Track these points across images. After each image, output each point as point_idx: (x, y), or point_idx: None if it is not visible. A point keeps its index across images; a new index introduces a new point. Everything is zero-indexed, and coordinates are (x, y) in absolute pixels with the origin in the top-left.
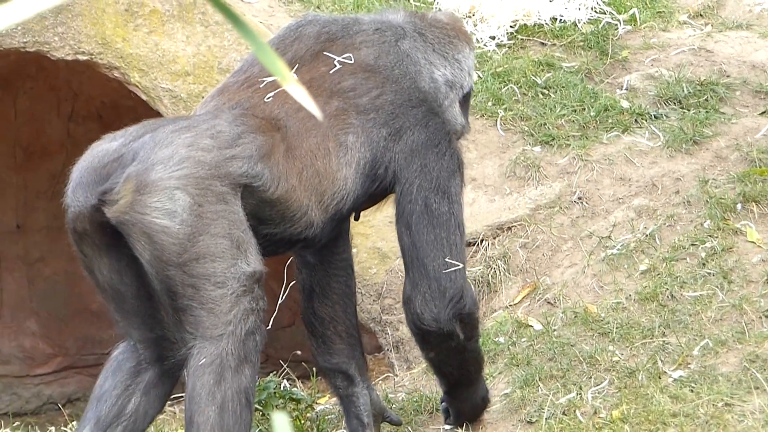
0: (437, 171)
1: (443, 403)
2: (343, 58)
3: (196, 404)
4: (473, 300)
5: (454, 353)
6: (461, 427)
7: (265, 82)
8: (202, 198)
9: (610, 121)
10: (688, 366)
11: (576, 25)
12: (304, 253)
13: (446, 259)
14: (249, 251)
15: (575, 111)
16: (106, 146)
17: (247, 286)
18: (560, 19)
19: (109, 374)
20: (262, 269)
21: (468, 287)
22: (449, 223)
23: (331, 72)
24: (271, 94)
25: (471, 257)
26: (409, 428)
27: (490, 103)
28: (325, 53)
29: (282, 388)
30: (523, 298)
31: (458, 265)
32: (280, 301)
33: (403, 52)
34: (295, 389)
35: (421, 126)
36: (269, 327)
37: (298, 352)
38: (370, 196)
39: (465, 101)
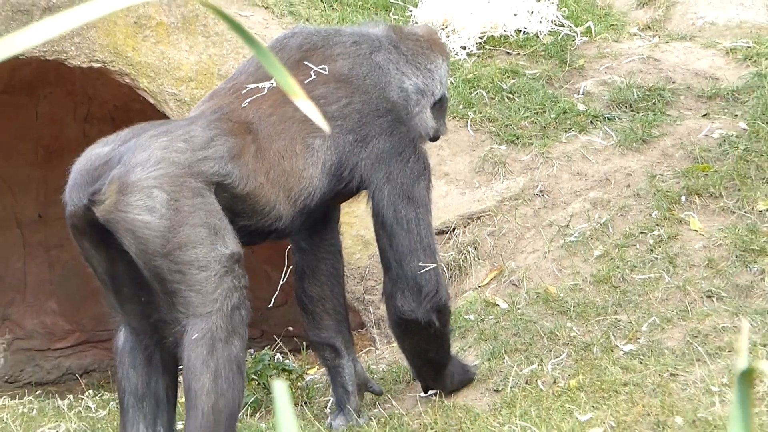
0: (402, 177)
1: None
2: (319, 68)
3: (193, 373)
4: (447, 292)
5: (434, 338)
6: (435, 394)
7: (247, 89)
8: (178, 194)
9: (568, 122)
10: (638, 340)
11: (538, 36)
12: (297, 239)
13: (419, 263)
14: (226, 236)
15: (537, 113)
16: (98, 150)
17: (228, 266)
18: (524, 31)
19: (129, 369)
20: (240, 250)
21: (442, 282)
22: (419, 227)
23: (306, 81)
24: (248, 100)
25: (444, 244)
26: (389, 396)
27: (461, 107)
28: (304, 62)
29: (276, 360)
30: (490, 280)
31: (432, 265)
32: (281, 282)
33: (376, 63)
34: (288, 361)
35: (386, 134)
36: (270, 306)
37: (290, 328)
38: (338, 194)
39: (440, 106)
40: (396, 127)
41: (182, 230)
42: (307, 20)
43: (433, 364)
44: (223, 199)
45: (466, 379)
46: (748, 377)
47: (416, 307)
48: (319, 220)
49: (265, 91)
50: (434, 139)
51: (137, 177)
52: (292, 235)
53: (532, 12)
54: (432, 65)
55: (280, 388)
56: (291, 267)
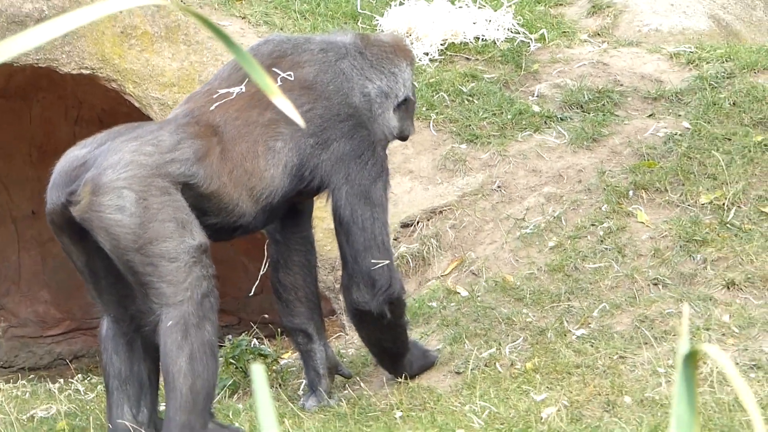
0: (360, 178)
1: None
2: (285, 75)
3: (169, 358)
4: (401, 286)
5: (387, 329)
6: (400, 376)
7: (218, 94)
8: (146, 193)
9: (523, 122)
10: (589, 325)
11: (495, 43)
12: (272, 232)
13: (373, 260)
14: (193, 229)
15: (495, 114)
16: (76, 152)
17: (196, 257)
18: (482, 38)
19: (112, 354)
20: (206, 241)
21: (395, 277)
22: (373, 226)
23: None
24: (216, 104)
25: (408, 236)
26: (358, 378)
27: (424, 108)
28: (273, 69)
29: (252, 346)
30: (452, 269)
31: (385, 262)
32: (262, 273)
33: (340, 70)
34: (263, 346)
35: (347, 138)
36: (249, 294)
37: (266, 316)
38: (300, 193)
39: (405, 108)
40: (357, 131)
41: (152, 226)
42: (281, 29)
43: (390, 353)
44: (190, 198)
45: (426, 364)
46: (692, 359)
47: (370, 299)
48: (293, 215)
49: (234, 95)
50: (402, 138)
51: (108, 179)
52: (257, 231)
53: (490, 20)
54: (396, 69)
55: (258, 371)
56: (268, 260)
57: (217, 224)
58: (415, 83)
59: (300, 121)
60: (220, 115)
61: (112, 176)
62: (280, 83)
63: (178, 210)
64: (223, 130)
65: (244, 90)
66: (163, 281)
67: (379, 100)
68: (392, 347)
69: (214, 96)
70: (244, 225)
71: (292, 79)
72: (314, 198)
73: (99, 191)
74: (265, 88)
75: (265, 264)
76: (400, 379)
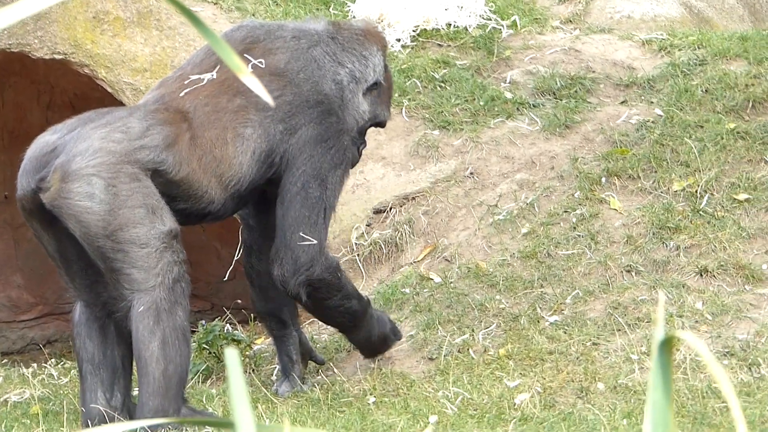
0: (320, 162)
1: None
2: (257, 62)
3: (142, 342)
4: (326, 268)
5: (317, 308)
6: (372, 361)
7: (189, 80)
8: (115, 180)
9: (496, 109)
10: (562, 312)
11: (467, 29)
12: (246, 218)
13: (301, 234)
14: (163, 215)
15: (467, 101)
16: (46, 138)
17: (167, 242)
18: (454, 25)
19: (85, 339)
20: (177, 227)
21: (320, 259)
22: (317, 205)
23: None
24: (186, 90)
25: (381, 222)
26: (331, 364)
27: (396, 95)
28: (245, 55)
29: (225, 331)
30: (425, 256)
31: (312, 241)
32: (236, 258)
33: (312, 58)
34: (236, 332)
35: (315, 123)
36: (225, 279)
37: (239, 301)
38: (269, 181)
39: (377, 92)
40: (325, 117)
41: (121, 212)
42: (254, 15)
43: (339, 326)
44: (160, 185)
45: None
46: (667, 346)
47: (289, 277)
48: (266, 200)
49: (204, 81)
50: (378, 124)
51: (77, 166)
52: (227, 217)
53: (462, 7)
54: (366, 52)
55: (231, 355)
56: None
57: (187, 210)
58: (390, 70)
59: (269, 99)
60: (189, 101)
61: (81, 163)
62: (251, 70)
63: (147, 196)
64: (192, 116)
65: (215, 76)
66: (134, 267)
67: (351, 86)
68: (335, 324)
69: (186, 82)
70: (213, 212)
71: (263, 66)
72: None
73: (68, 178)
74: (235, 69)
75: (239, 249)
76: (372, 365)
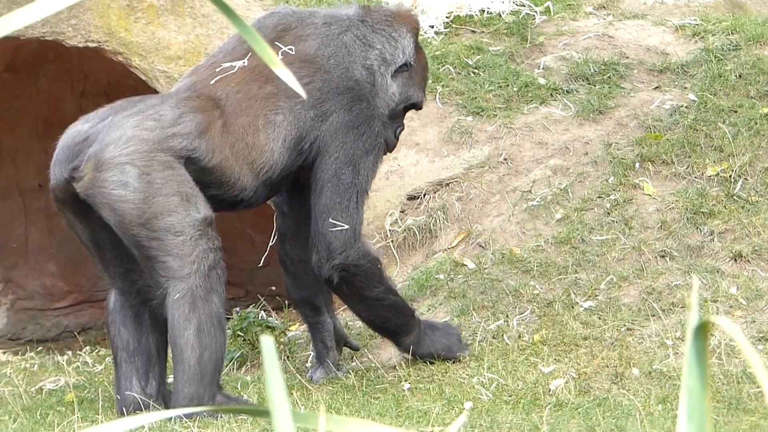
0: (353, 148)
1: None
2: (287, 49)
3: (177, 329)
4: (362, 254)
5: (356, 299)
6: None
7: (221, 68)
8: (149, 168)
9: (529, 95)
10: (596, 297)
11: (500, 15)
12: (280, 204)
13: (331, 220)
14: (198, 202)
15: (501, 87)
16: (79, 127)
17: (201, 230)
18: (487, 11)
19: (120, 327)
20: (212, 214)
21: (355, 244)
22: (348, 191)
23: None
24: (217, 78)
25: (415, 209)
26: (366, 350)
27: (430, 81)
28: (276, 43)
29: (260, 318)
30: (459, 242)
31: (344, 226)
32: (270, 244)
33: (342, 44)
34: (271, 318)
35: (345, 109)
36: (259, 265)
37: (273, 288)
38: (301, 168)
39: (409, 75)
40: (356, 104)
41: (156, 200)
42: (286, 2)
43: (378, 327)
44: (192, 172)
45: (448, 349)
46: (702, 331)
47: (324, 263)
48: (300, 187)
49: (236, 69)
50: (413, 107)
51: (111, 155)
52: (259, 205)
53: None
54: (395, 33)
55: (267, 343)
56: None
57: (219, 197)
58: (423, 52)
59: (301, 91)
60: (221, 88)
61: (114, 152)
62: (281, 57)
63: (182, 184)
64: (224, 103)
65: (246, 64)
66: (170, 255)
67: (381, 70)
68: (378, 322)
69: (217, 69)
70: (245, 199)
71: (294, 53)
72: None
73: (102, 167)
74: (266, 59)
75: (274, 236)
76: (407, 354)
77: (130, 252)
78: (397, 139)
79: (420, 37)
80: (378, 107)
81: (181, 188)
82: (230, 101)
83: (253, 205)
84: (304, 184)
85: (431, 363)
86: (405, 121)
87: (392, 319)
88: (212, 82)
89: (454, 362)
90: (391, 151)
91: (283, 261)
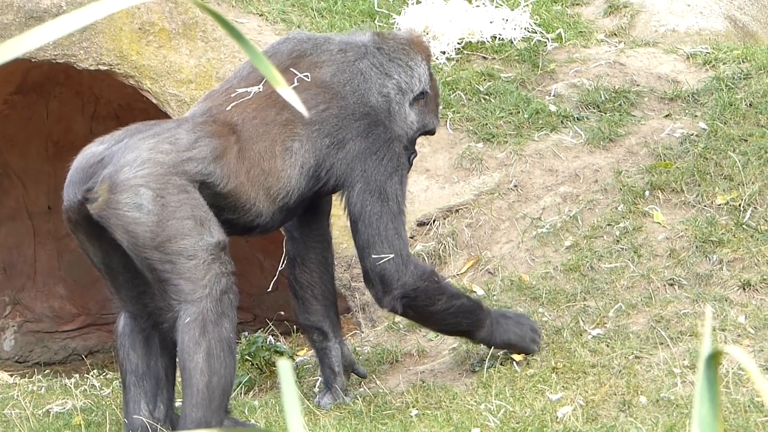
0: (375, 174)
1: None
2: (303, 75)
3: (187, 353)
4: (418, 276)
5: (424, 318)
6: (414, 374)
7: (236, 93)
8: (163, 191)
9: (540, 122)
10: (605, 325)
11: (512, 42)
12: (290, 229)
13: (373, 256)
14: (211, 226)
15: (511, 113)
16: (93, 149)
17: (214, 254)
18: (499, 37)
19: (129, 351)
20: (225, 239)
21: (406, 269)
22: (382, 220)
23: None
24: (233, 103)
25: (425, 234)
26: (373, 376)
27: (441, 107)
28: (291, 69)
29: (267, 342)
30: (468, 268)
31: (388, 256)
32: (280, 268)
33: (358, 70)
34: (279, 343)
35: (362, 137)
36: (268, 290)
37: (281, 313)
38: (317, 193)
39: (424, 102)
40: (372, 129)
41: (170, 224)
42: (299, 27)
43: (454, 333)
44: (207, 197)
45: (522, 337)
46: (714, 360)
47: (383, 296)
48: (311, 212)
49: (251, 95)
50: (428, 132)
51: (125, 176)
52: (274, 230)
53: (507, 20)
54: (411, 62)
55: (284, 367)
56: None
57: (233, 221)
58: (435, 78)
59: (303, 110)
60: (237, 114)
61: (129, 174)
62: (297, 83)
63: (196, 207)
64: (240, 129)
65: (262, 89)
66: (182, 278)
67: (398, 98)
68: (449, 330)
69: (233, 95)
70: (261, 224)
71: (309, 79)
72: (332, 196)
73: (116, 189)
74: (270, 80)
75: (283, 260)
76: (414, 378)
77: (142, 275)
78: (411, 165)
79: (431, 63)
80: (395, 131)
81: (195, 212)
82: (246, 127)
83: (269, 231)
84: (317, 209)
85: (439, 389)
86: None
87: (462, 322)
88: (228, 107)
89: (461, 389)
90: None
91: (293, 286)
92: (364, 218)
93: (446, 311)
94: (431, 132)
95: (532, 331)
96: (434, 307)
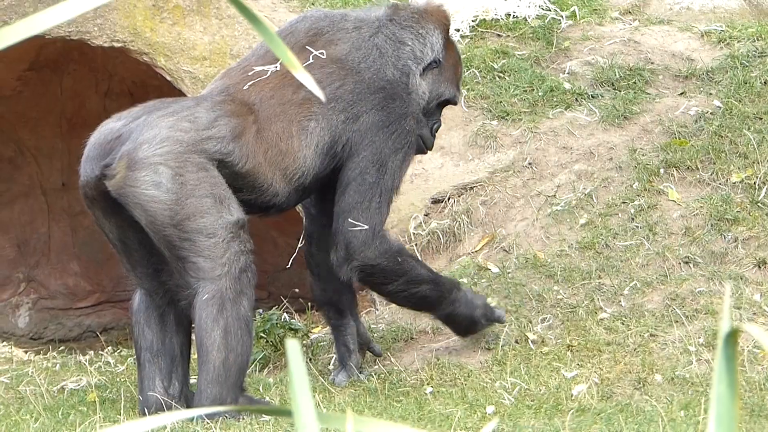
0: (382, 146)
1: None
2: (318, 53)
3: (204, 330)
4: (381, 253)
5: (378, 293)
6: (430, 351)
7: (254, 71)
8: (182, 169)
9: (554, 99)
10: (620, 303)
11: (526, 20)
12: (308, 206)
13: (350, 220)
14: (231, 204)
15: (526, 91)
16: (111, 125)
17: (234, 232)
18: (513, 15)
19: (144, 327)
20: (244, 217)
21: (374, 244)
22: (371, 190)
23: (305, 65)
24: (251, 82)
25: (439, 212)
26: (388, 353)
27: (461, 76)
28: (307, 47)
29: (282, 320)
30: (483, 246)
31: (363, 226)
32: (299, 246)
33: (374, 45)
34: (294, 320)
35: (377, 109)
36: (287, 267)
37: (296, 290)
38: (334, 170)
39: (439, 71)
40: (389, 102)
41: (189, 202)
42: (314, 4)
43: (415, 308)
44: (225, 176)
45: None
46: (732, 338)
47: (342, 263)
48: (328, 189)
49: (269, 74)
50: (449, 102)
51: (144, 154)
52: (289, 209)
53: None
54: (423, 30)
55: (293, 346)
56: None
57: (251, 201)
58: (456, 47)
59: (321, 95)
60: (255, 93)
61: (148, 152)
62: (312, 61)
63: (215, 186)
64: (258, 108)
65: (278, 68)
66: (201, 256)
67: (414, 68)
68: (405, 306)
69: (250, 73)
70: (277, 204)
71: (324, 57)
72: None
73: (135, 166)
74: (287, 63)
75: (302, 238)
76: (429, 355)
77: (158, 251)
78: (434, 136)
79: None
80: (411, 105)
81: (215, 190)
82: (264, 107)
83: (285, 210)
84: (333, 186)
85: (453, 367)
86: None
87: (420, 302)
88: (246, 86)
89: (476, 367)
90: (430, 149)
91: (309, 263)
92: (357, 183)
93: (400, 293)
94: (452, 101)
95: (484, 317)
96: (389, 287)
